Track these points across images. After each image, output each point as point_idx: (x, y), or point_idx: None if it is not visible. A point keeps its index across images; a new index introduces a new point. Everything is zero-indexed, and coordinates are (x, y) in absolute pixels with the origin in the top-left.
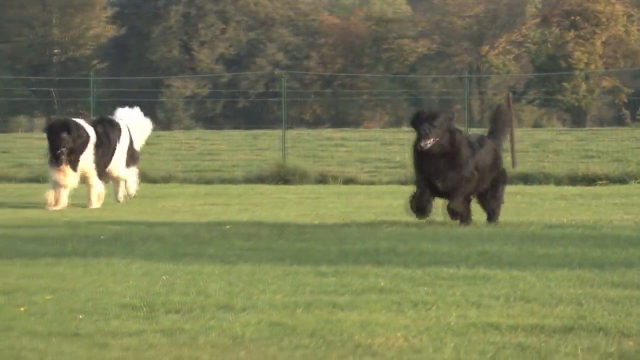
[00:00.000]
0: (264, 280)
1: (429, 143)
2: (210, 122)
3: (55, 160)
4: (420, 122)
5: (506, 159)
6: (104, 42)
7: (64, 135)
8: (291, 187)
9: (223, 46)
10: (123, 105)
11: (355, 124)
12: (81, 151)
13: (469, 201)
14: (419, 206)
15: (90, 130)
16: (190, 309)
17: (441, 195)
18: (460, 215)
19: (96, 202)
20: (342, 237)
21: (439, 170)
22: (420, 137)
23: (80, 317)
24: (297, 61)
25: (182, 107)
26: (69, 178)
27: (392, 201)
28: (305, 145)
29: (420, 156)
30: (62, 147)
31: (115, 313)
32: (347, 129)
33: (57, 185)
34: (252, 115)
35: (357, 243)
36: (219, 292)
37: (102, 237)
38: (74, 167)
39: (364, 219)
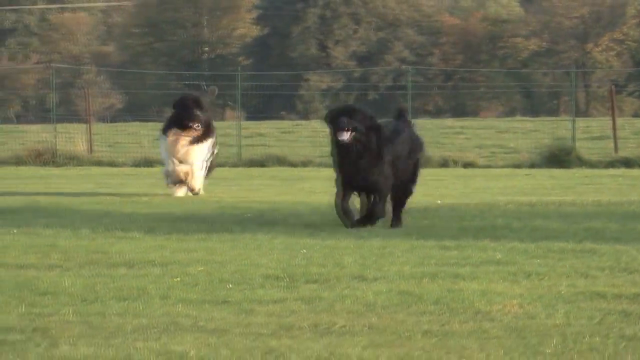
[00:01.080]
0: (393, 253)
1: (348, 136)
2: None
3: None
4: (338, 115)
5: (609, 145)
6: (248, 41)
7: (197, 111)
8: None
9: (355, 44)
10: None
11: (473, 113)
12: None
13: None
14: (345, 209)
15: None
16: (327, 279)
17: (360, 191)
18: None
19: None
20: (462, 215)
21: (359, 168)
22: (338, 130)
23: (229, 286)
24: (421, 57)
25: (318, 99)
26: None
27: (507, 182)
28: (428, 133)
29: (341, 152)
30: (195, 121)
31: (259, 283)
32: (466, 118)
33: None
34: (381, 106)
35: (475, 220)
36: (353, 264)
37: (248, 215)
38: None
39: (481, 199)
